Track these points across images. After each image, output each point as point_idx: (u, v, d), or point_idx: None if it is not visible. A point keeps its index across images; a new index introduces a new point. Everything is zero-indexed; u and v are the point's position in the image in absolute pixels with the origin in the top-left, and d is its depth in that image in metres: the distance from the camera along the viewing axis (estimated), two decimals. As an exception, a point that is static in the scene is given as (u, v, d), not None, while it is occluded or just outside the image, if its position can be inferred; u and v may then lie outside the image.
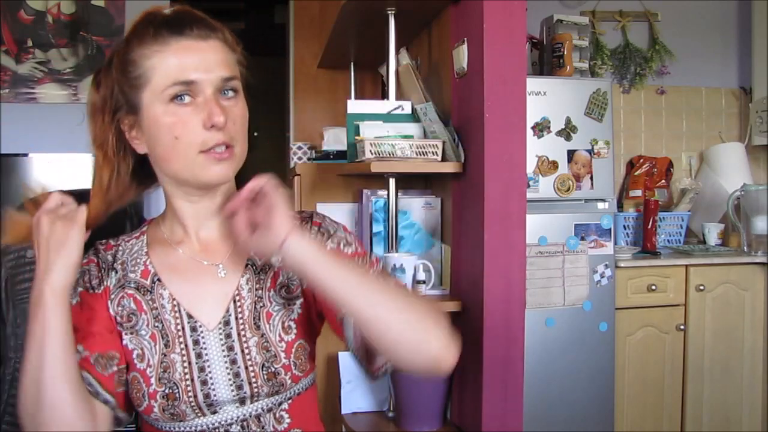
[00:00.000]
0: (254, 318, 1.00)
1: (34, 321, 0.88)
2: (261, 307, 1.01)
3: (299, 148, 2.82)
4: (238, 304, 1.00)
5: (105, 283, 1.01)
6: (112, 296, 1.00)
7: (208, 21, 0.96)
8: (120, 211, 1.01)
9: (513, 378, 1.71)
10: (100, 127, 0.99)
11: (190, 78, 0.91)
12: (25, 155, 3.15)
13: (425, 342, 0.87)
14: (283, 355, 0.99)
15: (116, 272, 1.02)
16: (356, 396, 2.01)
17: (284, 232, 0.88)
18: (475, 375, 1.73)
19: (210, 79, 0.92)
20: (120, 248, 1.05)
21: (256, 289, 1.02)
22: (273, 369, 0.99)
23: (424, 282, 1.85)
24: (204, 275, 1.01)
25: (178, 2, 1.04)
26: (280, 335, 1.00)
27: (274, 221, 0.88)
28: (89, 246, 1.03)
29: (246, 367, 0.98)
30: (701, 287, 2.65)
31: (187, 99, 0.92)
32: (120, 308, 1.00)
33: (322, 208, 2.16)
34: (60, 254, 0.89)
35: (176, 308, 0.99)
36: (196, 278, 1.01)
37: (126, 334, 0.99)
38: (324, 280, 0.88)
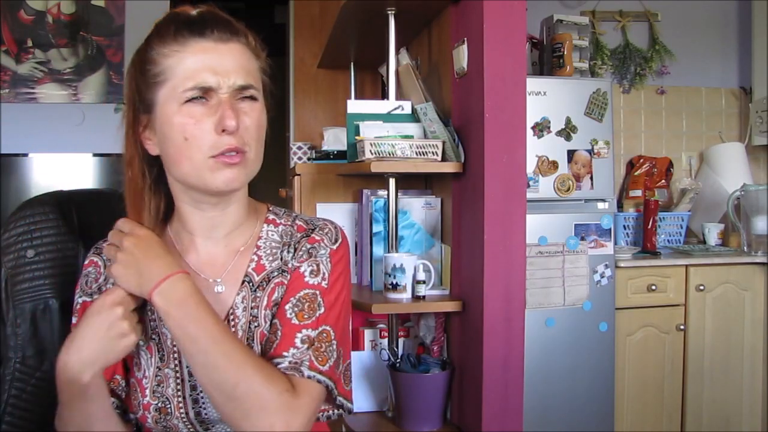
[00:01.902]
0: (248, 339, 0.97)
1: (82, 390, 0.91)
2: (255, 327, 0.98)
3: (299, 148, 2.82)
4: (232, 323, 0.98)
5: (105, 286, 1.00)
6: None
7: (231, 23, 0.95)
8: (118, 210, 1.01)
9: (513, 378, 1.71)
10: (127, 129, 0.97)
11: (207, 84, 0.90)
12: (25, 155, 3.16)
13: (239, 425, 0.88)
14: None
15: None
16: (356, 396, 2.01)
17: (149, 286, 0.89)
18: (475, 375, 1.73)
19: (227, 85, 0.91)
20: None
21: (252, 308, 0.98)
22: None
23: (424, 282, 1.85)
24: (203, 290, 0.97)
25: (179, 2, 1.03)
26: None
27: (142, 270, 0.90)
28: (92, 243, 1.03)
29: None
30: (701, 287, 2.65)
31: (202, 101, 0.91)
32: None
33: (322, 208, 2.16)
34: (93, 356, 0.89)
35: None
36: None
37: None
38: (174, 335, 0.91)
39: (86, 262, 1.02)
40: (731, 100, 3.45)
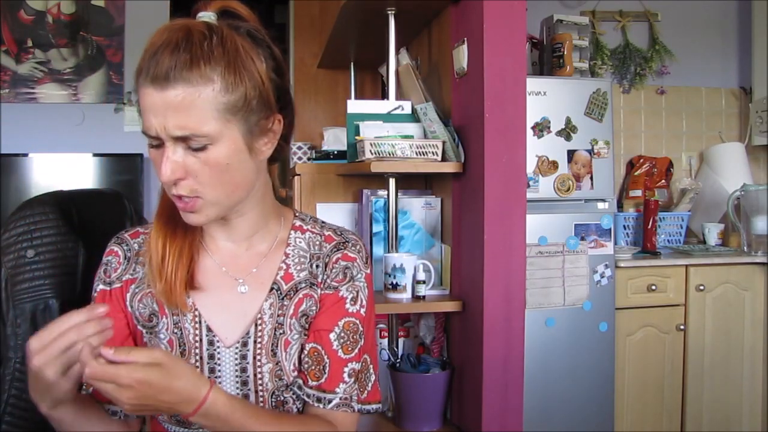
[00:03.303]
0: (272, 345, 0.99)
1: (50, 419, 0.90)
2: (281, 334, 0.99)
3: (299, 148, 2.82)
4: (259, 327, 0.99)
5: (126, 276, 1.01)
6: (136, 290, 1.00)
7: (186, 55, 0.85)
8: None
9: (513, 378, 1.71)
10: None
11: (149, 133, 0.87)
12: (25, 155, 3.16)
13: None
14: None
15: (144, 266, 1.00)
16: (356, 396, 2.00)
17: (182, 414, 0.84)
18: (475, 375, 1.73)
19: (164, 134, 0.86)
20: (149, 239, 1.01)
21: (278, 315, 1.00)
22: (282, 398, 0.99)
23: (424, 282, 1.85)
24: (226, 289, 1.00)
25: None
26: (294, 364, 0.99)
27: (165, 408, 0.83)
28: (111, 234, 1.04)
29: (256, 391, 0.98)
30: (701, 287, 2.65)
31: (156, 146, 0.89)
32: (141, 306, 0.99)
33: (322, 208, 2.16)
34: (45, 395, 0.85)
35: (197, 319, 0.98)
36: (219, 291, 1.00)
37: (146, 333, 0.99)
38: None
39: (107, 251, 1.03)
40: (731, 100, 3.45)
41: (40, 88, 3.32)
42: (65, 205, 1.17)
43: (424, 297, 1.85)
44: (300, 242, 1.04)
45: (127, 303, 1.00)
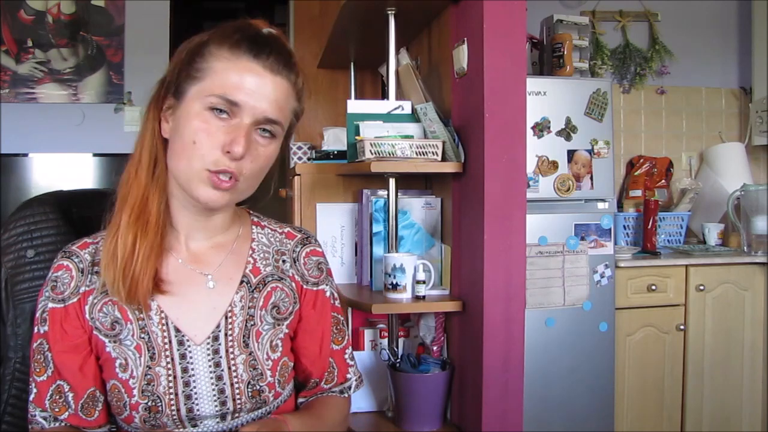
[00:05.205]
0: (244, 336, 1.00)
1: None
2: (252, 325, 1.02)
3: (299, 148, 2.82)
4: (230, 320, 1.00)
5: (83, 288, 0.98)
6: (95, 301, 0.97)
7: (291, 58, 0.96)
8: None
9: (513, 378, 1.71)
10: (151, 103, 1.00)
11: (235, 99, 0.91)
12: (25, 155, 3.16)
13: None
14: (269, 373, 1.01)
15: (100, 276, 0.97)
16: (356, 396, 1.99)
17: None
18: (475, 375, 1.73)
19: (254, 110, 0.92)
20: (100, 247, 0.99)
21: (249, 307, 1.02)
22: (258, 387, 0.99)
23: (424, 282, 1.85)
24: (193, 286, 1.00)
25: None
26: (267, 353, 1.02)
27: None
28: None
29: (231, 384, 0.98)
30: (701, 287, 2.65)
31: (224, 115, 0.92)
32: (102, 315, 0.97)
33: (322, 208, 2.16)
34: None
35: (164, 321, 0.97)
36: (186, 289, 1.00)
37: (109, 342, 0.97)
38: None
39: (54, 267, 1.00)
40: (731, 100, 3.45)
41: (40, 88, 3.32)
42: (65, 205, 1.17)
43: (424, 297, 1.85)
44: (262, 237, 1.10)
45: (87, 315, 0.97)
